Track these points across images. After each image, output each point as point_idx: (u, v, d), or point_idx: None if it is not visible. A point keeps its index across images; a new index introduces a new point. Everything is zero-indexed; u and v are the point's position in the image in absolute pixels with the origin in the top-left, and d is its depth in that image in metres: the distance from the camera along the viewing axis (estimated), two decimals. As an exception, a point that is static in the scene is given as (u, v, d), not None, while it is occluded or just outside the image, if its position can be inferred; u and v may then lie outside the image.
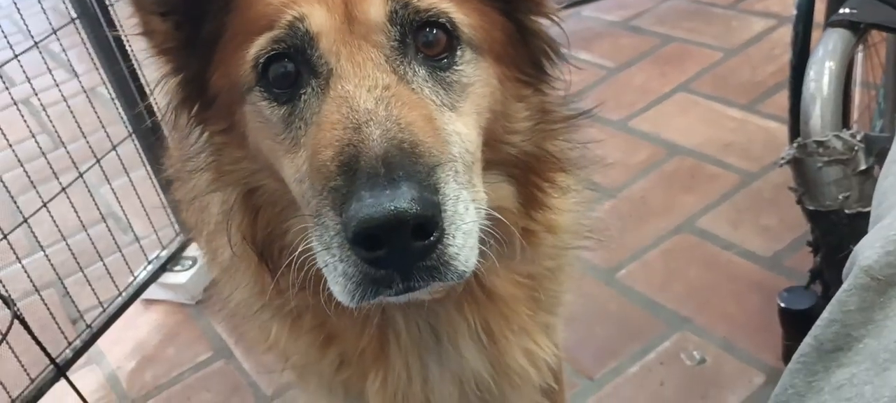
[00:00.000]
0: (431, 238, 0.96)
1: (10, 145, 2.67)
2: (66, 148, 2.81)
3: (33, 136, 2.79)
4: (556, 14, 1.24)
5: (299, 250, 1.06)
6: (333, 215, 0.97)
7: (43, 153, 2.76)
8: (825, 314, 0.96)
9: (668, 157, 3.29)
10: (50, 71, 2.80)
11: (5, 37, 2.59)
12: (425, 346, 1.36)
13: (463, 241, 1.00)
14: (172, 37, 1.15)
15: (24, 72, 2.65)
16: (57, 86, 2.78)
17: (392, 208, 0.91)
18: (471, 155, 1.09)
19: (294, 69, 1.08)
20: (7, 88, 2.63)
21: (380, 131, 0.97)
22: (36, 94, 2.71)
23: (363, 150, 0.96)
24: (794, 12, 2.17)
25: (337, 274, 0.99)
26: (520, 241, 1.27)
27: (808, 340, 0.97)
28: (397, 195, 0.92)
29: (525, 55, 1.22)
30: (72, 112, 2.81)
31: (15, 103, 2.72)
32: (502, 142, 1.21)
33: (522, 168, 1.25)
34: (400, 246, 0.94)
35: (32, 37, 2.66)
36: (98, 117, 2.94)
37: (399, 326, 1.33)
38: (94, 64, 2.86)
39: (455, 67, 1.12)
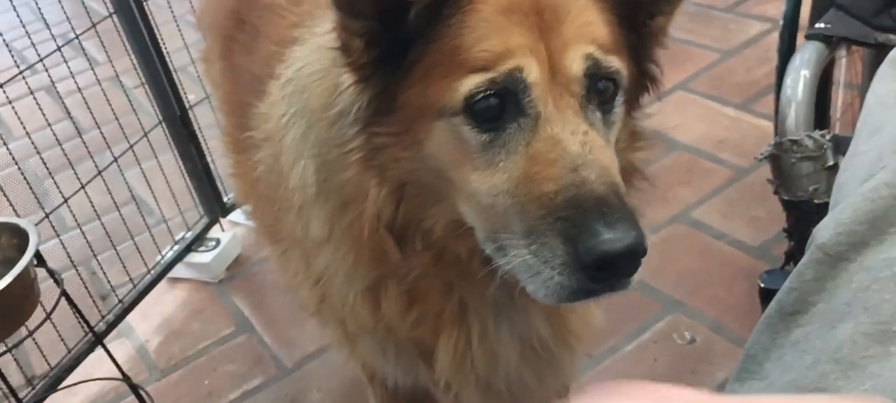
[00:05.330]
0: (640, 262, 1.22)
1: (49, 124, 2.86)
2: (101, 130, 3.00)
3: (71, 117, 2.97)
4: (658, 62, 1.48)
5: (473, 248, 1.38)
6: (563, 241, 1.18)
7: (78, 133, 2.95)
8: (787, 283, 1.15)
9: (666, 152, 3.45)
10: (88, 58, 3.00)
11: (52, 36, 2.76)
12: (500, 311, 1.56)
13: None
14: (365, 55, 1.32)
15: (64, 60, 2.84)
16: (92, 70, 2.98)
17: (628, 243, 1.16)
18: None
19: (498, 105, 1.27)
20: (47, 71, 2.77)
21: (595, 174, 1.20)
22: (73, 76, 2.90)
23: (586, 191, 1.19)
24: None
25: (551, 284, 1.21)
26: None
27: (772, 305, 1.16)
28: (629, 233, 1.16)
29: (635, 91, 1.45)
30: (107, 98, 3.00)
31: (54, 84, 2.86)
32: None
33: None
34: (626, 271, 1.21)
35: (74, 29, 2.85)
36: (131, 103, 3.14)
37: (479, 294, 1.52)
38: (128, 51, 3.04)
39: (614, 111, 1.35)
